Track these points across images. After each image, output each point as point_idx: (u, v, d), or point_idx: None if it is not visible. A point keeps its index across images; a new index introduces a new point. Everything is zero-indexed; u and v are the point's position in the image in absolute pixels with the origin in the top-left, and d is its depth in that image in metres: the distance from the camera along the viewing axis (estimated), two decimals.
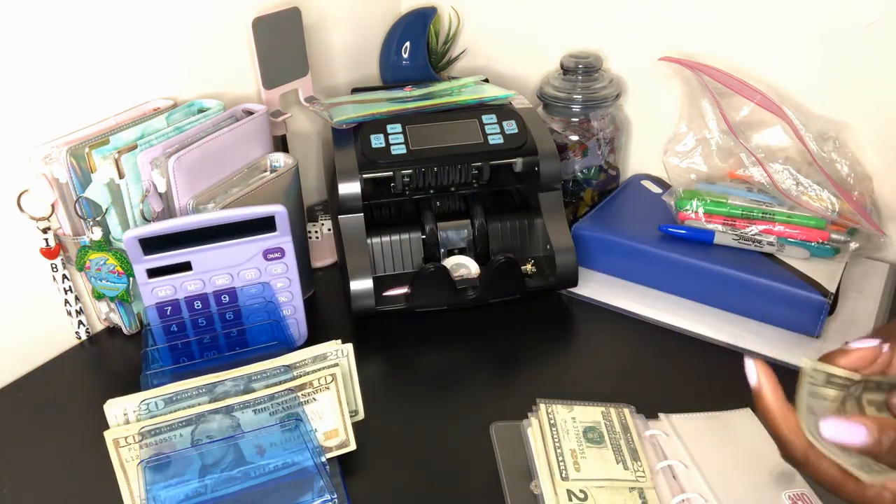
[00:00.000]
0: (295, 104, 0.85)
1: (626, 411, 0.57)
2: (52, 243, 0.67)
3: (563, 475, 0.50)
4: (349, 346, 0.56)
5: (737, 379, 0.65)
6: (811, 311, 0.67)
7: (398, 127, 0.74)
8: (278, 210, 0.60)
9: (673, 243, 0.75)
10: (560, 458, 0.52)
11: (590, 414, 0.56)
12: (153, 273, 0.59)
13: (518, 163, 0.75)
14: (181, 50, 0.74)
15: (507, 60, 0.98)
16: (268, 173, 0.71)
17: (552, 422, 0.54)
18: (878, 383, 0.41)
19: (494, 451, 0.55)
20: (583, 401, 0.57)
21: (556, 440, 0.53)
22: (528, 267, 0.75)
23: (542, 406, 0.56)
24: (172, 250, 0.59)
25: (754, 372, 0.42)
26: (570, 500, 0.49)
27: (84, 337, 0.73)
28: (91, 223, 0.65)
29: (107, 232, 0.66)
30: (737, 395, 0.61)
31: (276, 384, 0.54)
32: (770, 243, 0.73)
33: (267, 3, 0.78)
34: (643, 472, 0.52)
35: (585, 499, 0.49)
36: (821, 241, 0.72)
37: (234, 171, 0.70)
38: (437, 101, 0.78)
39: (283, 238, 0.62)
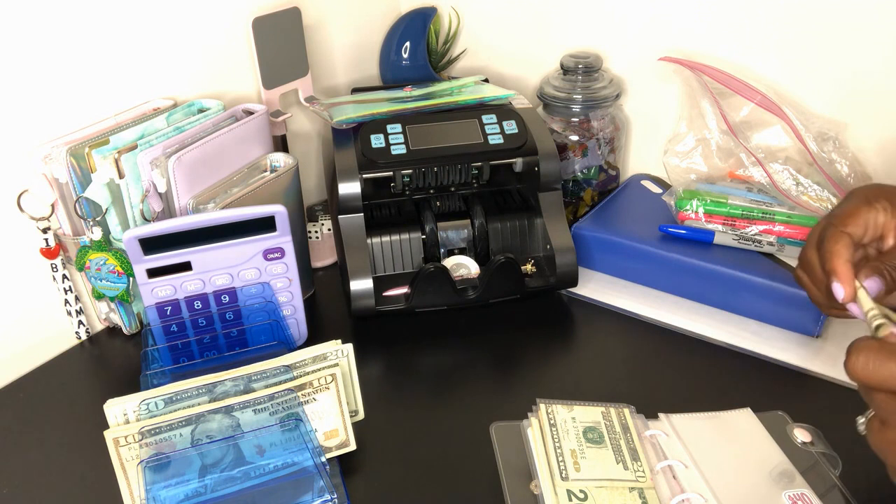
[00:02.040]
0: (295, 104, 0.85)
1: (626, 411, 0.57)
2: (52, 243, 0.67)
3: (563, 475, 0.50)
4: (349, 346, 0.56)
5: (737, 379, 0.65)
6: (811, 311, 0.67)
7: (398, 127, 0.74)
8: (278, 210, 0.60)
9: (673, 243, 0.75)
10: (560, 458, 0.52)
11: (590, 414, 0.56)
12: (153, 273, 0.59)
13: (518, 163, 0.75)
14: (181, 50, 0.74)
15: (507, 60, 0.98)
16: (268, 173, 0.71)
17: (552, 422, 0.54)
18: None
19: (494, 451, 0.55)
20: (583, 401, 0.57)
21: (556, 440, 0.53)
22: (528, 267, 0.75)
23: (542, 406, 0.56)
24: (172, 250, 0.59)
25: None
26: (570, 500, 0.49)
27: (84, 337, 0.73)
28: (91, 223, 0.65)
29: (107, 232, 0.66)
30: (737, 395, 0.61)
31: (276, 384, 0.54)
32: (770, 243, 0.73)
33: (267, 3, 0.78)
34: (643, 472, 0.52)
35: (585, 499, 0.49)
36: None
37: (234, 171, 0.70)
38: (437, 101, 0.78)
39: (283, 238, 0.62)
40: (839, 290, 0.49)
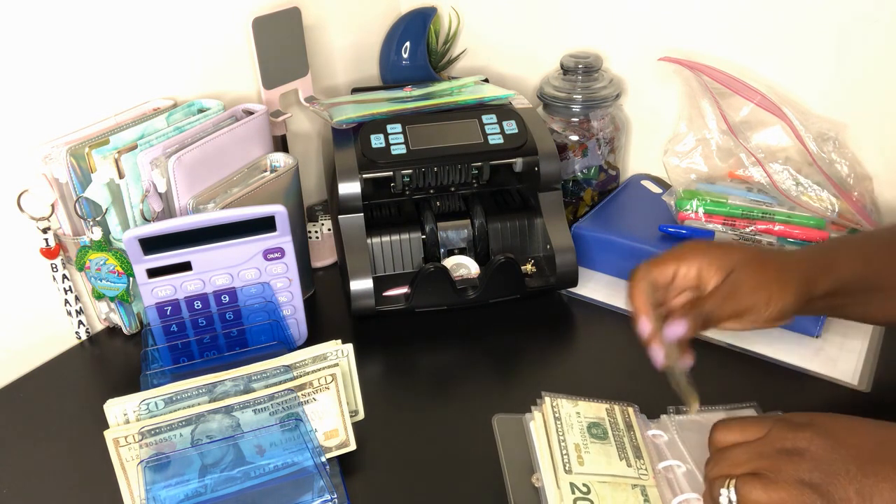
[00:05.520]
0: (295, 104, 0.85)
1: (631, 410, 0.57)
2: (52, 243, 0.67)
3: (567, 468, 0.50)
4: (349, 346, 0.56)
5: (737, 379, 0.65)
6: None
7: (398, 127, 0.74)
8: (278, 210, 0.60)
9: (673, 243, 0.74)
10: (564, 451, 0.52)
11: (594, 410, 0.56)
12: (153, 273, 0.59)
13: (518, 163, 0.75)
14: (181, 50, 0.74)
15: (507, 60, 0.98)
16: (268, 173, 0.71)
17: (557, 415, 0.54)
18: None
19: (496, 443, 0.55)
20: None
21: (561, 433, 0.53)
22: (528, 267, 0.75)
23: (548, 399, 0.56)
24: (172, 250, 0.59)
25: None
26: (573, 492, 0.49)
27: (84, 337, 0.73)
28: (91, 223, 0.65)
29: (107, 232, 0.66)
30: (737, 395, 0.61)
31: (276, 384, 0.54)
32: (770, 243, 0.73)
33: (267, 3, 0.78)
34: (646, 470, 0.52)
35: (588, 492, 0.49)
36: (821, 241, 0.72)
37: (234, 171, 0.70)
38: (437, 101, 0.78)
39: (283, 238, 0.62)
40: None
